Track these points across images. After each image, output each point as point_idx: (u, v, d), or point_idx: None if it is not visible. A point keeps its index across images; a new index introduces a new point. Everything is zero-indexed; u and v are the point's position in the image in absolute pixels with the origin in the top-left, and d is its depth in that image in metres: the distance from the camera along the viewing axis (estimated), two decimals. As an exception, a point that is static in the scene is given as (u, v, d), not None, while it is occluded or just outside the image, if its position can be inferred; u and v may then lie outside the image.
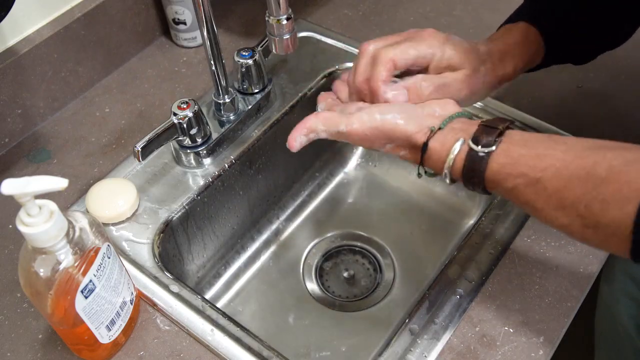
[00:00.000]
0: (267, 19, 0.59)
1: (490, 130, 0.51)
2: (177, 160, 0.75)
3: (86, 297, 0.53)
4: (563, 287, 0.63)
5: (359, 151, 0.94)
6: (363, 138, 0.56)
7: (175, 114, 0.70)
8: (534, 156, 0.48)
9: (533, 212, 0.50)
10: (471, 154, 0.51)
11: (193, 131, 0.72)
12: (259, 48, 0.78)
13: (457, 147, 0.51)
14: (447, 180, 0.53)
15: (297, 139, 0.58)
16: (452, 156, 0.52)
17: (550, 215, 0.48)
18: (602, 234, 0.45)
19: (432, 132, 0.53)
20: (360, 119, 0.55)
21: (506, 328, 0.60)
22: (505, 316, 0.61)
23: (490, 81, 0.60)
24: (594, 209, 0.45)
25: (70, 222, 0.51)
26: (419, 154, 0.54)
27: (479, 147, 0.50)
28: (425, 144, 0.53)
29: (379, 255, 0.85)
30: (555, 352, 0.60)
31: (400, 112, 0.55)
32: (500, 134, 0.50)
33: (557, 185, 0.47)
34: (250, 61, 0.76)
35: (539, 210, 0.49)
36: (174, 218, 0.72)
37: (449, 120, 0.54)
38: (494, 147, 0.50)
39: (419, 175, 0.56)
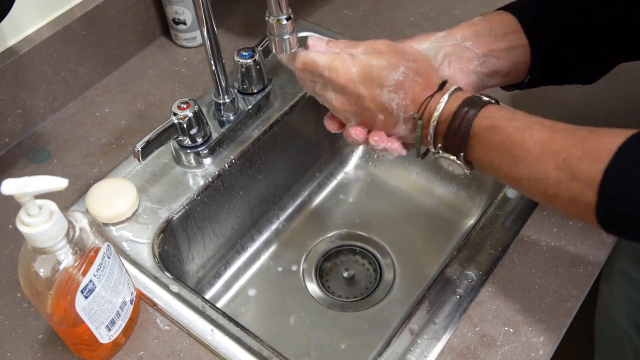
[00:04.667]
0: (267, 19, 0.59)
1: (489, 97, 0.54)
2: (177, 160, 0.75)
3: (86, 297, 0.53)
4: (563, 287, 0.63)
5: (359, 151, 0.94)
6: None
7: (175, 114, 0.70)
8: (526, 114, 0.51)
9: (514, 156, 0.50)
10: (471, 97, 0.53)
11: (193, 131, 0.72)
12: (259, 48, 0.77)
13: (449, 94, 0.53)
14: (431, 130, 0.53)
15: None
16: (446, 96, 0.53)
17: (530, 165, 0.49)
18: (573, 190, 0.46)
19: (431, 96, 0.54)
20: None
21: (506, 328, 0.60)
22: (505, 316, 0.61)
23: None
24: (572, 163, 0.46)
25: (70, 222, 0.51)
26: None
27: (483, 96, 0.53)
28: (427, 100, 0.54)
29: (379, 256, 0.85)
30: (555, 352, 0.60)
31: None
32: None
33: (544, 136, 0.49)
34: (250, 61, 0.76)
35: (521, 157, 0.49)
36: (174, 218, 0.72)
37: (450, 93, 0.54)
38: (492, 101, 0.53)
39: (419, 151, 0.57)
